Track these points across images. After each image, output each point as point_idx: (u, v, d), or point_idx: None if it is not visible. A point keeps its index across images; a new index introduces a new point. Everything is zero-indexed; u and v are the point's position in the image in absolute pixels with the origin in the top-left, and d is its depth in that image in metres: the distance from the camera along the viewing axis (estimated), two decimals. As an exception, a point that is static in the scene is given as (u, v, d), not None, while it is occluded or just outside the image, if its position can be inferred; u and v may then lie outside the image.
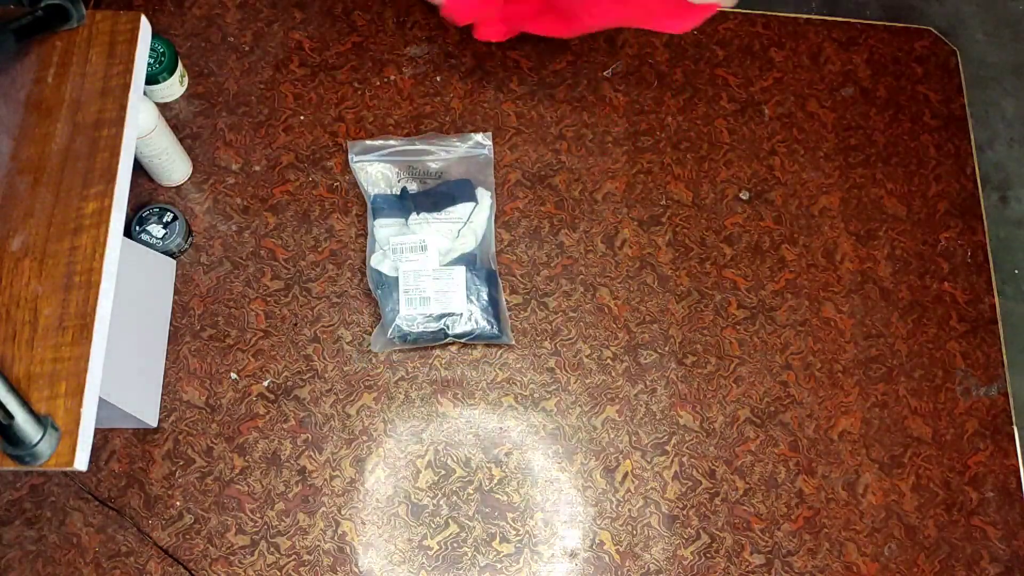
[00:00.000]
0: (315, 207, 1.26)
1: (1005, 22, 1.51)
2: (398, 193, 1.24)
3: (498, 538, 1.13)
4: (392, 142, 1.28)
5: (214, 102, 1.31)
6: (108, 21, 0.91)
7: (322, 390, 1.18)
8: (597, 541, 1.13)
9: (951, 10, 1.51)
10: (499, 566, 1.11)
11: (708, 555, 1.13)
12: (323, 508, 1.13)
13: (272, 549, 1.11)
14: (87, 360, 0.77)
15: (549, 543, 1.13)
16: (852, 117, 1.38)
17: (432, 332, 1.17)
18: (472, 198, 1.23)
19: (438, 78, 1.35)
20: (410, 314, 1.16)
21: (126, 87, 0.88)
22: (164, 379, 1.17)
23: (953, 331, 1.27)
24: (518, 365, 1.20)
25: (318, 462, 1.14)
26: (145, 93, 1.01)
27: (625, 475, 1.16)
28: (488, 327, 1.18)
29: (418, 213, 1.20)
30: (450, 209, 1.21)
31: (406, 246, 1.18)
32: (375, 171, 1.26)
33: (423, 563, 1.11)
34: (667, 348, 1.22)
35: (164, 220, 1.20)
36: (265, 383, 1.18)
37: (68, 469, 0.75)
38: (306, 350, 1.19)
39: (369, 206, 1.24)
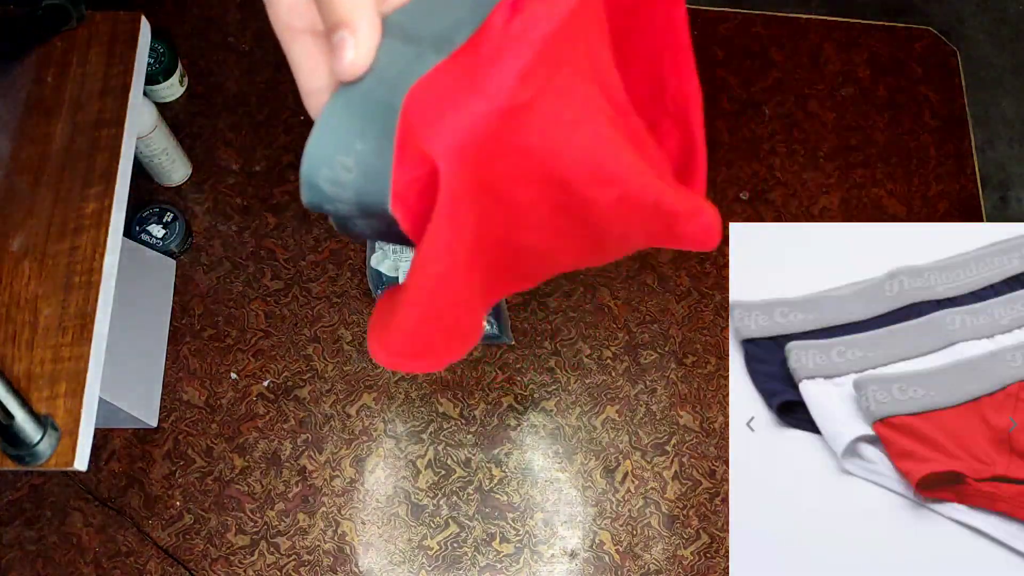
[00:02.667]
0: (315, 207, 1.26)
1: (1005, 22, 1.51)
2: (398, 193, 1.24)
3: (498, 538, 1.13)
4: (392, 142, 1.27)
5: (214, 102, 1.31)
6: (108, 21, 0.91)
7: (322, 390, 1.18)
8: (597, 541, 1.13)
9: (951, 10, 1.51)
10: (499, 566, 1.11)
11: (708, 555, 1.13)
12: (323, 508, 1.13)
13: (272, 549, 1.11)
14: (87, 360, 0.77)
15: (549, 543, 1.13)
16: (852, 117, 1.38)
17: (432, 332, 1.17)
18: (472, 198, 1.23)
19: (438, 78, 1.35)
20: (410, 314, 1.16)
21: (126, 87, 0.88)
22: (164, 379, 1.17)
23: (953, 331, 1.27)
24: (518, 365, 1.20)
25: (318, 462, 1.14)
26: (145, 93, 1.01)
27: (625, 475, 1.16)
28: (488, 327, 1.18)
29: (418, 213, 1.20)
30: (450, 209, 1.21)
31: (406, 247, 1.18)
32: (375, 171, 1.26)
33: (423, 563, 1.11)
34: (667, 348, 1.22)
35: (164, 220, 1.20)
36: (265, 383, 1.18)
37: (68, 469, 0.75)
38: (306, 350, 1.19)
39: (369, 206, 1.23)
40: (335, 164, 0.43)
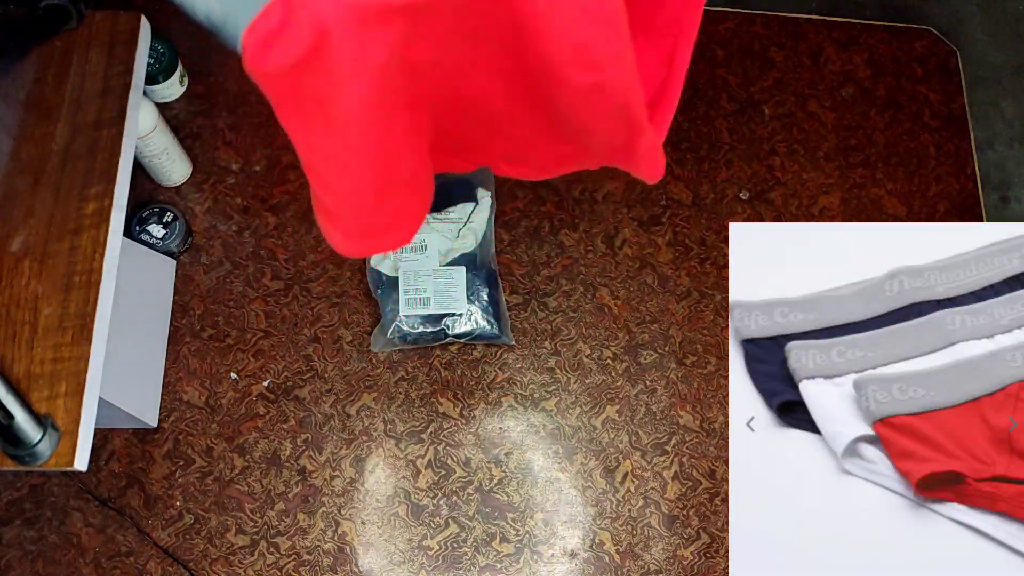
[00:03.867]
0: (315, 207, 1.26)
1: (1005, 22, 1.51)
2: (398, 193, 1.24)
3: (498, 538, 1.13)
4: (392, 142, 1.27)
5: (214, 102, 1.31)
6: (108, 21, 0.91)
7: (322, 390, 1.18)
8: (597, 541, 1.13)
9: (951, 10, 1.51)
10: (499, 566, 1.11)
11: (708, 555, 1.13)
12: (323, 508, 1.13)
13: (272, 549, 1.11)
14: (87, 360, 0.77)
15: (549, 543, 1.13)
16: (852, 117, 1.38)
17: (432, 332, 1.17)
18: (472, 198, 1.23)
19: (438, 78, 1.35)
20: (410, 314, 1.16)
21: (126, 87, 0.88)
22: (164, 379, 1.17)
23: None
24: (518, 365, 1.20)
25: (318, 462, 1.14)
26: (145, 93, 1.01)
27: (625, 475, 1.16)
28: (488, 327, 1.18)
29: (418, 213, 1.20)
30: (450, 209, 1.21)
31: (406, 246, 1.18)
32: (375, 171, 1.26)
33: (423, 563, 1.11)
34: (667, 348, 1.22)
35: (164, 220, 1.20)
36: (265, 383, 1.18)
37: (68, 469, 0.75)
38: (306, 350, 1.19)
39: (369, 206, 1.23)
40: None
